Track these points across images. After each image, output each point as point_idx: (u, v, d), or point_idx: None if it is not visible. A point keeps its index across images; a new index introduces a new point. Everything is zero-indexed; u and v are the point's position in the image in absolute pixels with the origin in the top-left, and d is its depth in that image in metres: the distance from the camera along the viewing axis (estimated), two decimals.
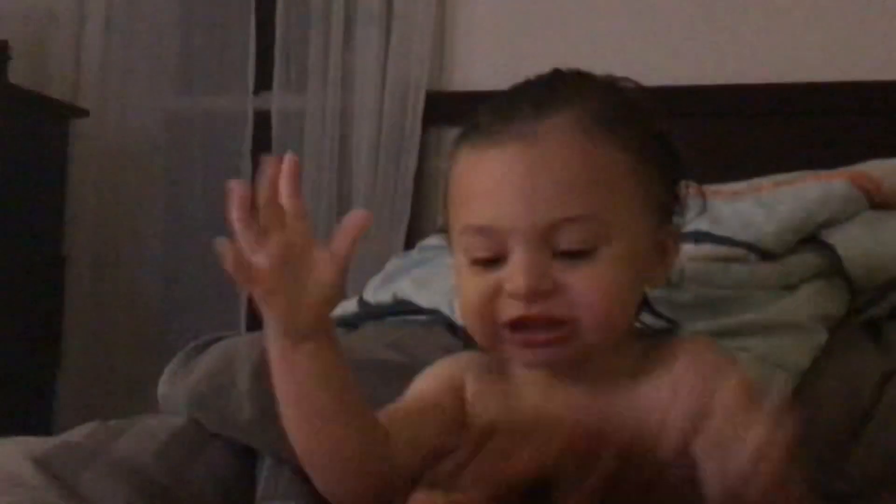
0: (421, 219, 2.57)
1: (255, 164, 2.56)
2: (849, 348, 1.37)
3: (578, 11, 2.52)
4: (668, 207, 0.99)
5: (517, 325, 0.91)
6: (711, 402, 0.83)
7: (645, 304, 1.08)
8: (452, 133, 2.44)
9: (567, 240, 0.90)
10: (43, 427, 2.66)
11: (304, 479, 1.24)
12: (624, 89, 1.00)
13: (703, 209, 1.11)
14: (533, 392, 1.00)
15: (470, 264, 0.94)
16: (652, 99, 1.01)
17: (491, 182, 0.92)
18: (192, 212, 2.83)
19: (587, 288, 0.89)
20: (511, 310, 0.90)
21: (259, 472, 1.27)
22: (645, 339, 1.05)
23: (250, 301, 2.52)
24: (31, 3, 2.85)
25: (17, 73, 2.64)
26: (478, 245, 0.93)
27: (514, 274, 0.89)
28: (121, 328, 2.87)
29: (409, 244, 2.44)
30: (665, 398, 0.90)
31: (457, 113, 2.42)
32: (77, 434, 1.23)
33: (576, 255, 0.90)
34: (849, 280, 1.42)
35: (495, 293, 0.91)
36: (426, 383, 1.05)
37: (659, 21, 2.47)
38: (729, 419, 0.80)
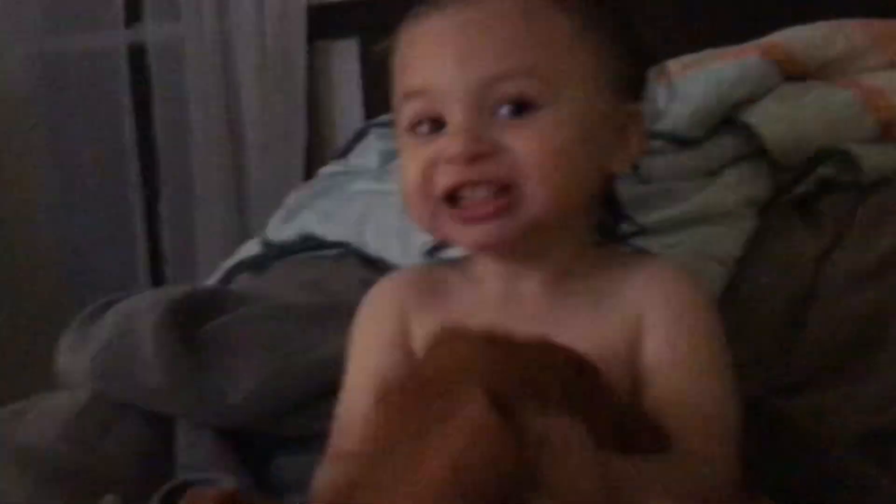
0: (321, 142, 2.52)
1: (137, 103, 2.46)
2: (781, 231, 1.34)
3: None
4: (629, 84, 0.92)
5: (454, 196, 0.85)
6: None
7: (612, 203, 1.01)
8: (340, 45, 2.37)
9: (506, 97, 0.83)
10: None
11: (225, 443, 1.17)
12: None
13: (671, 89, 1.02)
14: (478, 309, 0.92)
15: (409, 136, 0.89)
16: None
17: (427, 44, 0.88)
18: (78, 156, 2.71)
19: (530, 148, 0.82)
20: (447, 177, 0.84)
21: (177, 440, 1.19)
22: (607, 247, 0.99)
23: (150, 241, 2.45)
24: None
25: None
26: (416, 111, 0.87)
27: (451, 137, 0.84)
28: (16, 286, 2.74)
29: (310, 166, 2.41)
30: (626, 320, 0.89)
31: (343, 24, 2.37)
32: None
33: (517, 116, 0.84)
34: (772, 159, 1.38)
35: (434, 163, 0.85)
36: (372, 346, 0.97)
37: None
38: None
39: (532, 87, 0.83)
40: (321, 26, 2.45)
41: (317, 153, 2.46)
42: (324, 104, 2.51)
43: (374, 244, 1.47)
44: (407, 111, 0.88)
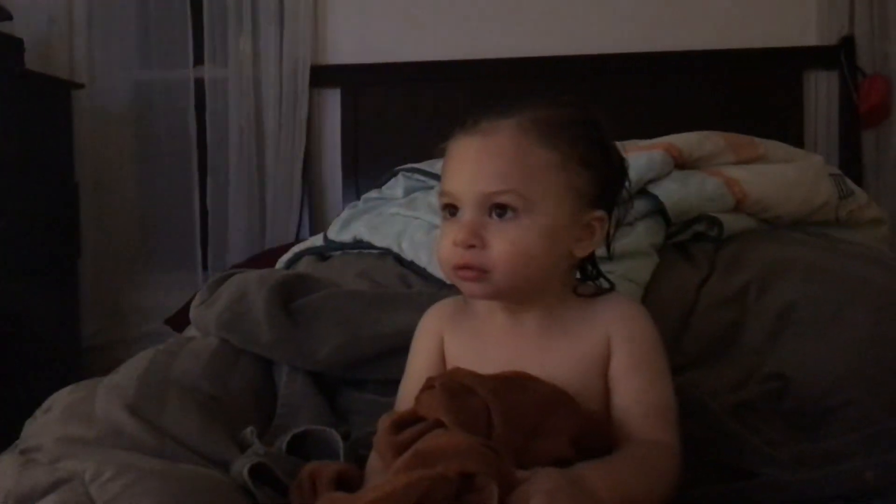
0: (312, 151, 2.43)
1: (198, 120, 2.40)
2: (673, 265, 1.28)
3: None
4: (599, 197, 0.83)
5: (458, 267, 0.80)
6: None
7: (592, 265, 0.92)
8: (328, 92, 2.37)
9: (497, 206, 0.78)
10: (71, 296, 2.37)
11: (315, 383, 1.07)
12: (565, 105, 0.84)
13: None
14: (491, 332, 0.86)
15: (443, 213, 0.84)
16: (589, 113, 0.84)
17: (458, 160, 0.82)
18: (159, 155, 2.53)
19: (500, 246, 0.78)
20: (456, 258, 0.80)
21: (278, 378, 1.09)
22: (585, 287, 0.89)
23: (201, 213, 2.29)
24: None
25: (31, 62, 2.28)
26: (446, 202, 0.82)
27: (461, 226, 0.79)
28: (117, 228, 2.59)
29: (306, 166, 2.40)
30: (598, 341, 0.81)
31: (331, 79, 2.40)
32: (141, 364, 1.01)
33: (501, 217, 0.78)
34: (667, 218, 1.32)
35: (454, 243, 0.80)
36: (421, 351, 0.91)
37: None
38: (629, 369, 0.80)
39: (514, 200, 0.77)
40: (318, 79, 2.39)
41: (311, 158, 2.43)
42: (316, 126, 2.43)
43: (408, 252, 1.38)
44: (443, 199, 0.83)
